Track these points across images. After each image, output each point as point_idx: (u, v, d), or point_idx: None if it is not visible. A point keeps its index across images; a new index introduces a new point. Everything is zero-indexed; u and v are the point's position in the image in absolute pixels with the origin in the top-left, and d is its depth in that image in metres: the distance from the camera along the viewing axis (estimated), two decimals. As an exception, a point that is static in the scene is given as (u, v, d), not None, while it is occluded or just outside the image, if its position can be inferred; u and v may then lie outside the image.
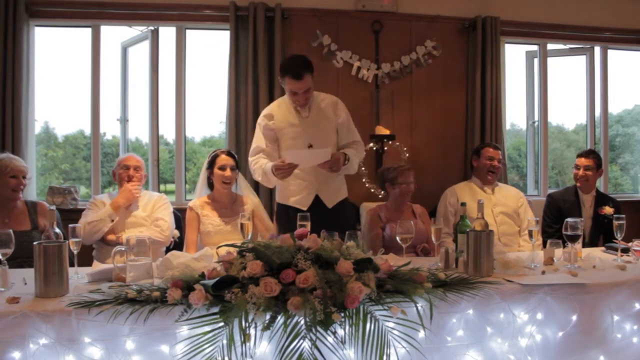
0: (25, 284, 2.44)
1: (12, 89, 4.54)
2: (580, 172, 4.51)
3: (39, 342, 1.96)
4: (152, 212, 3.77)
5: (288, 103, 3.62)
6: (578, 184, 4.55)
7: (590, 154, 4.57)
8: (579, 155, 4.58)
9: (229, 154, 3.79)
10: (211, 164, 3.74)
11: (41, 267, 2.19)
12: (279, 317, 1.96)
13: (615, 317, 2.53)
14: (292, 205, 3.61)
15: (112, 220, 3.61)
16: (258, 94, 4.83)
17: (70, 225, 2.70)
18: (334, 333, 1.96)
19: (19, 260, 3.00)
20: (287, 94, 3.55)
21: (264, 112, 3.71)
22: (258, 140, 3.66)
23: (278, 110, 3.66)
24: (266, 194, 4.80)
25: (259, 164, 3.56)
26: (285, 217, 3.64)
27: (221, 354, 1.89)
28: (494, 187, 4.35)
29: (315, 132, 3.57)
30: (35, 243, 2.22)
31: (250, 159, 3.67)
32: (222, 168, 3.70)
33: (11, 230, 2.42)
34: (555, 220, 4.45)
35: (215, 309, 1.98)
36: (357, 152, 3.66)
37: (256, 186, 4.73)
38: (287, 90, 3.51)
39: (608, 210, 4.40)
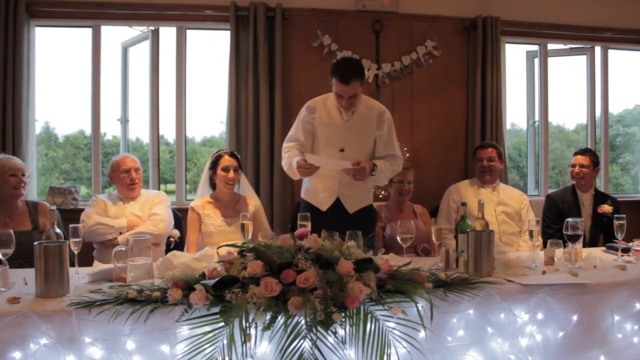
0: (26, 284, 2.44)
1: (13, 89, 4.54)
2: (576, 169, 4.53)
3: (39, 342, 1.96)
4: (150, 210, 3.77)
5: (333, 101, 3.54)
6: (574, 182, 4.56)
7: (587, 152, 4.60)
8: (576, 154, 4.61)
9: (232, 155, 3.77)
10: (214, 165, 3.72)
11: (42, 267, 2.19)
12: (280, 317, 1.96)
13: (616, 317, 2.54)
14: (312, 203, 3.60)
15: (120, 233, 3.61)
16: (258, 94, 4.83)
17: (71, 225, 2.69)
18: (335, 333, 1.96)
19: (20, 260, 2.99)
20: (334, 94, 3.48)
21: (309, 103, 3.63)
22: (296, 129, 3.62)
23: (322, 106, 3.58)
24: (267, 196, 4.79)
25: (290, 153, 3.53)
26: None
27: (221, 354, 1.89)
28: (496, 186, 4.34)
29: (350, 138, 3.51)
30: (35, 243, 2.22)
31: (284, 144, 3.64)
32: (226, 169, 3.68)
33: (12, 231, 2.42)
34: (554, 221, 4.45)
35: (216, 309, 1.98)
36: (391, 165, 3.56)
37: (257, 188, 4.75)
38: (334, 90, 3.45)
39: (607, 208, 4.40)
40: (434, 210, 4.42)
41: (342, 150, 3.50)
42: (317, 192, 3.60)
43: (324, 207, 3.56)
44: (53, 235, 2.35)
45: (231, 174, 3.68)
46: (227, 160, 3.70)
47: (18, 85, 4.56)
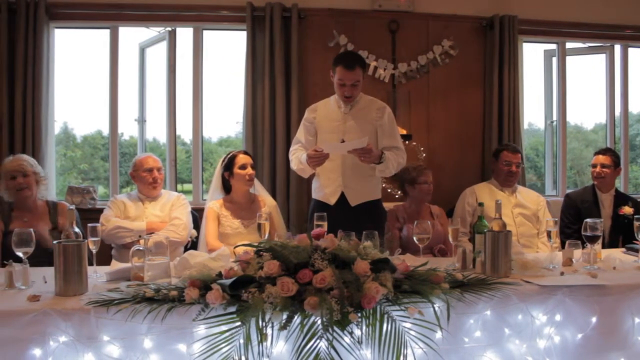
0: (45, 282, 2.47)
1: (33, 90, 4.60)
2: (597, 169, 4.45)
3: (59, 339, 1.98)
4: (170, 212, 3.79)
5: (334, 100, 3.71)
6: (596, 182, 4.49)
7: (608, 151, 4.52)
8: (596, 153, 4.54)
9: (245, 153, 3.81)
10: (229, 166, 3.72)
11: (61, 266, 2.22)
12: (296, 317, 1.96)
13: (637, 320, 2.49)
14: (321, 199, 3.68)
15: (140, 237, 3.62)
16: (275, 94, 4.84)
17: (89, 225, 2.71)
18: (351, 333, 1.96)
19: (39, 259, 3.02)
20: (336, 87, 3.58)
21: (311, 106, 3.84)
22: (299, 132, 3.80)
23: (323, 106, 3.77)
24: (283, 196, 4.80)
25: (296, 154, 3.69)
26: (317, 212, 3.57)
27: (238, 354, 1.90)
28: (514, 189, 4.32)
29: (350, 128, 3.60)
30: (55, 242, 2.26)
31: (290, 149, 3.82)
32: (243, 167, 3.69)
33: (32, 230, 2.45)
34: (573, 221, 4.39)
35: (232, 309, 1.99)
36: (396, 157, 3.61)
37: (273, 188, 4.76)
38: (336, 83, 3.56)
39: (627, 210, 4.32)
40: (450, 211, 4.39)
41: (342, 141, 3.57)
42: (323, 187, 3.68)
43: (331, 201, 3.62)
44: (72, 234, 2.38)
45: (250, 170, 3.72)
46: (243, 159, 3.72)
47: (38, 86, 4.62)
